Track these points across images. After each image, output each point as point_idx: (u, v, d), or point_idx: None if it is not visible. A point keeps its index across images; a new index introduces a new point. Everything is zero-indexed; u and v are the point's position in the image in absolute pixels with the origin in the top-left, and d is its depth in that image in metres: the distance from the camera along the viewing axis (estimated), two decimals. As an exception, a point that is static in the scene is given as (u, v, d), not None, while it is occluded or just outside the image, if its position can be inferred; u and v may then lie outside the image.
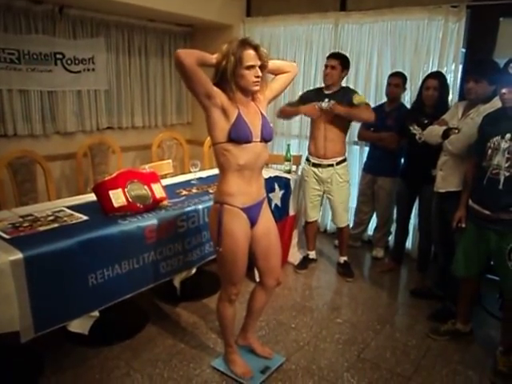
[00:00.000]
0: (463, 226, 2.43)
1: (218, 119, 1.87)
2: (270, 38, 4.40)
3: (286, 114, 3.38)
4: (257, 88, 1.89)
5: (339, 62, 3.17)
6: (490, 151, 2.21)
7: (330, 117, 3.16)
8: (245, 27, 4.53)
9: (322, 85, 3.31)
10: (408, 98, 3.66)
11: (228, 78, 1.82)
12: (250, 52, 1.82)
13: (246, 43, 1.83)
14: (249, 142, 1.89)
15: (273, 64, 2.08)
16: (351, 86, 3.89)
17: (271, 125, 2.04)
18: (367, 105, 3.19)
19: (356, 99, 3.13)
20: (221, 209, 1.95)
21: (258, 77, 1.85)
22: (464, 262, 2.44)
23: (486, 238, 2.28)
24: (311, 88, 3.63)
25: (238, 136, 1.86)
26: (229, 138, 1.86)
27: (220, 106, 1.85)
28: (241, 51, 1.80)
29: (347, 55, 3.33)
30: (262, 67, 1.87)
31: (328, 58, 3.23)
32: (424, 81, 3.08)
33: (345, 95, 3.19)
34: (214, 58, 1.86)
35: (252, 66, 1.82)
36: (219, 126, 1.87)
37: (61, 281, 1.96)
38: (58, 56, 3.78)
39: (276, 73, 2.09)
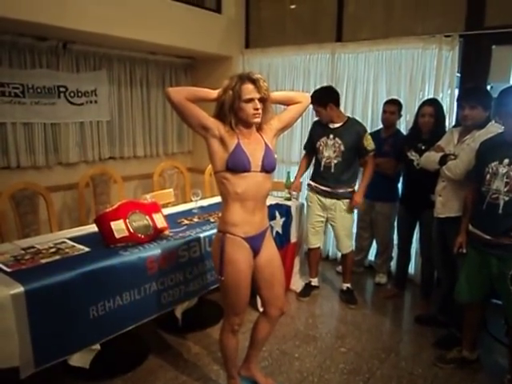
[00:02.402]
0: (464, 251, 2.43)
1: (217, 149, 1.92)
2: (269, 68, 4.50)
3: None
4: (257, 120, 1.92)
5: (318, 104, 3.14)
6: (488, 176, 2.23)
7: (339, 152, 3.20)
8: (244, 58, 4.65)
9: None
10: (404, 125, 3.72)
11: (226, 111, 1.88)
12: (249, 86, 1.87)
13: (244, 77, 1.88)
14: (246, 171, 1.91)
15: (283, 95, 2.15)
16: (349, 114, 3.94)
17: (275, 156, 2.05)
18: (373, 151, 3.25)
19: (367, 142, 3.19)
20: (223, 238, 1.95)
21: (256, 109, 1.89)
22: (467, 288, 2.43)
23: (488, 263, 2.27)
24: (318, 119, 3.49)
25: (235, 165, 1.89)
26: (226, 167, 1.90)
27: (218, 137, 1.91)
28: (239, 85, 1.86)
29: (323, 88, 3.31)
30: (262, 99, 1.91)
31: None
32: (420, 108, 3.13)
33: (349, 132, 3.20)
34: (215, 93, 1.93)
35: (251, 99, 1.87)
36: (218, 155, 1.92)
37: (62, 314, 1.95)
38: (62, 89, 3.87)
39: (287, 104, 2.13)
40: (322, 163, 3.27)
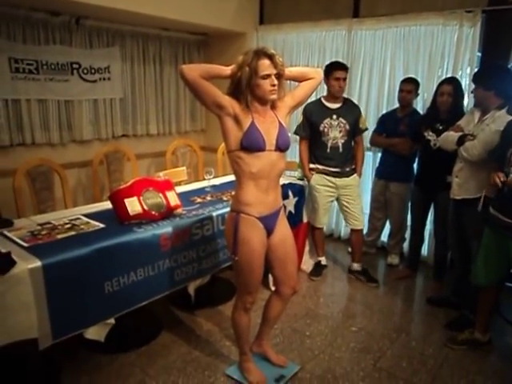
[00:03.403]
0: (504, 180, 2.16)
1: (231, 127, 1.89)
2: (283, 45, 4.41)
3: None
4: (274, 97, 1.89)
5: (347, 72, 3.20)
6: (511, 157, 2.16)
7: (345, 131, 3.22)
8: (258, 35, 4.56)
9: (321, 96, 3.37)
10: (421, 104, 3.64)
11: (243, 88, 1.84)
12: (265, 61, 1.83)
13: (260, 53, 1.84)
14: (261, 150, 1.89)
15: (296, 71, 2.10)
16: (364, 93, 3.93)
17: (289, 134, 2.03)
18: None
19: (362, 123, 3.32)
20: (237, 218, 1.95)
21: (274, 85, 1.86)
22: (484, 271, 2.40)
23: (507, 247, 2.24)
24: (311, 101, 3.37)
25: (250, 144, 1.87)
26: (241, 146, 1.88)
27: (233, 115, 1.87)
28: (255, 61, 1.82)
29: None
30: (278, 75, 1.88)
31: (336, 69, 3.13)
32: (438, 87, 3.05)
33: (350, 111, 3.27)
34: (228, 69, 1.89)
35: (267, 75, 1.83)
36: (232, 134, 1.89)
37: (78, 288, 1.99)
38: (75, 66, 3.86)
39: (300, 80, 2.09)
40: (329, 144, 3.25)
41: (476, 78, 2.63)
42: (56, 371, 2.28)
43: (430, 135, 3.06)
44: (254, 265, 1.98)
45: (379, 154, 3.87)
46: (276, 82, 1.86)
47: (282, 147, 1.95)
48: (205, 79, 1.82)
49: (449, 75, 3.38)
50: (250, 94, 1.87)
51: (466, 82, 3.38)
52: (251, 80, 1.83)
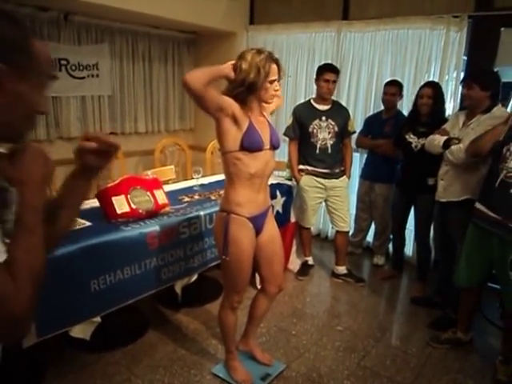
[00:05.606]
0: None
1: (230, 128, 1.86)
2: (273, 46, 4.40)
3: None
4: (272, 101, 1.94)
5: (337, 75, 3.24)
6: (507, 153, 2.17)
7: (334, 133, 3.25)
8: (248, 35, 4.57)
9: (310, 98, 3.40)
10: (407, 107, 3.68)
11: (256, 90, 1.84)
12: (275, 66, 1.87)
13: (271, 57, 1.86)
14: (260, 150, 1.91)
15: None
16: (353, 95, 3.97)
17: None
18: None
19: (351, 126, 3.36)
20: (227, 218, 1.94)
21: (276, 90, 1.89)
22: (466, 273, 2.44)
23: (489, 245, 2.26)
24: (301, 102, 3.56)
25: (251, 144, 1.87)
26: (241, 147, 1.87)
27: (231, 115, 1.85)
28: (268, 65, 1.83)
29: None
30: (278, 81, 1.92)
31: (326, 71, 3.18)
32: (419, 90, 3.09)
33: (339, 113, 3.30)
34: (225, 67, 1.85)
35: (274, 81, 1.87)
36: (230, 134, 1.87)
37: (63, 286, 1.97)
38: (63, 62, 3.82)
39: None
40: (318, 146, 3.28)
41: (474, 77, 2.60)
42: (41, 369, 2.26)
43: (411, 138, 3.10)
44: (244, 265, 1.99)
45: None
46: (279, 87, 1.90)
47: (276, 145, 1.99)
48: (208, 85, 1.76)
49: (435, 79, 3.43)
50: (255, 95, 1.88)
51: (452, 86, 3.44)
52: (264, 83, 1.84)
